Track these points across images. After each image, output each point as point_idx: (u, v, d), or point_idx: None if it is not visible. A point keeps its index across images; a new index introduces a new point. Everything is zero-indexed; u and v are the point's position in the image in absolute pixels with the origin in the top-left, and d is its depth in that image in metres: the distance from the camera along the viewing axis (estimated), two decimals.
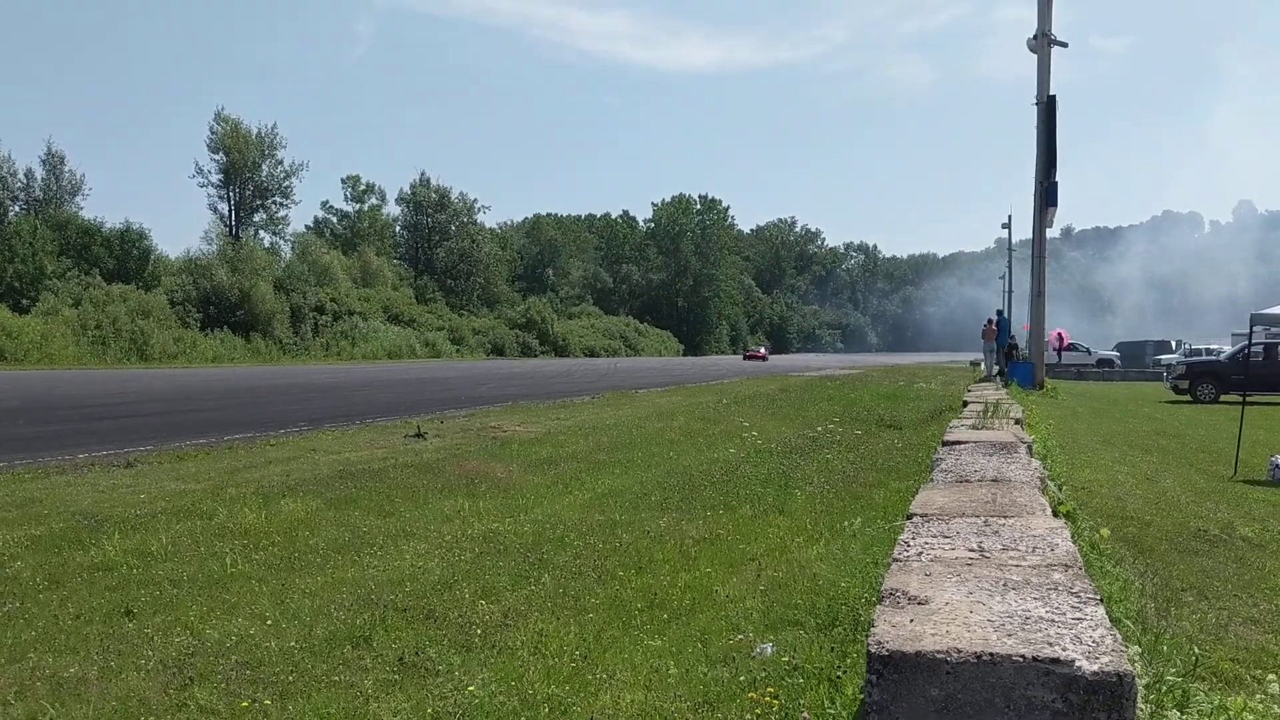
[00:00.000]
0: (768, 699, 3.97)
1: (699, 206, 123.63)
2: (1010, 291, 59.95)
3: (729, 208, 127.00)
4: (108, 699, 4.19)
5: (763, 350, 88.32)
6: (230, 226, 69.10)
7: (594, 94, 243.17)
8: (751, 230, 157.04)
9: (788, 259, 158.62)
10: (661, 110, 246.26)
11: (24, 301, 45.11)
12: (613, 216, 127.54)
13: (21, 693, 4.25)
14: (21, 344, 38.97)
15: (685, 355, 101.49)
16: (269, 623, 5.22)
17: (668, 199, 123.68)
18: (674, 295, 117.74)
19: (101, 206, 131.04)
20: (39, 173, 60.23)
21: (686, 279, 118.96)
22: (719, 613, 5.47)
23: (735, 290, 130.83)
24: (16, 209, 58.32)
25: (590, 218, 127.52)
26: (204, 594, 5.79)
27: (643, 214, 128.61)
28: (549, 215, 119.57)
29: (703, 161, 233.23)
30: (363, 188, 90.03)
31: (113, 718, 4.02)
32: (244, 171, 68.71)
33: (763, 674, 4.34)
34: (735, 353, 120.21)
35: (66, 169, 61.53)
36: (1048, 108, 24.57)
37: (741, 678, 4.33)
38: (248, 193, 69.96)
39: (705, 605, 5.64)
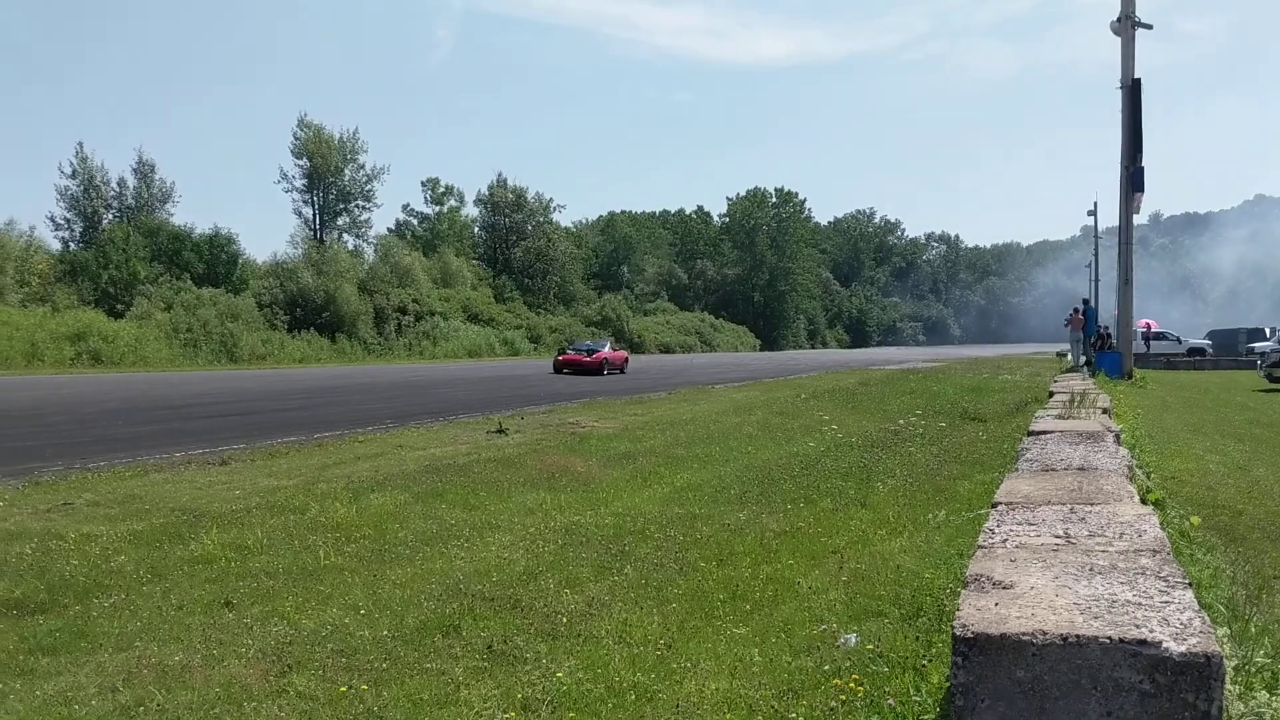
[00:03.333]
0: (852, 685, 3.97)
1: (774, 200, 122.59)
2: (1097, 280, 58.54)
3: (805, 200, 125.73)
4: (211, 685, 4.35)
5: (604, 350, 39.96)
6: (314, 230, 70.42)
7: (667, 90, 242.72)
8: (829, 222, 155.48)
9: (866, 251, 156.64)
10: (736, 104, 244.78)
11: (119, 306, 46.55)
12: (687, 212, 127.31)
13: (129, 679, 4.43)
14: (117, 347, 40.31)
15: (762, 350, 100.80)
16: (362, 612, 5.37)
17: (742, 193, 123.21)
18: (750, 290, 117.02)
19: (191, 213, 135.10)
20: (131, 181, 62.17)
21: (762, 273, 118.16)
22: (801, 604, 5.48)
23: (812, 284, 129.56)
24: (110, 217, 60.29)
25: (664, 214, 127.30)
26: (299, 585, 5.97)
27: (717, 209, 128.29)
28: (623, 213, 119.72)
29: (778, 154, 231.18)
30: (442, 190, 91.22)
31: (216, 703, 4.16)
32: (327, 176, 69.89)
33: (847, 663, 4.35)
34: (814, 347, 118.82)
35: (157, 177, 63.44)
36: (1132, 91, 24.00)
37: (826, 666, 4.34)
38: (331, 197, 71.19)
39: (787, 596, 5.65)
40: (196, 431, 15.06)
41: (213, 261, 54.97)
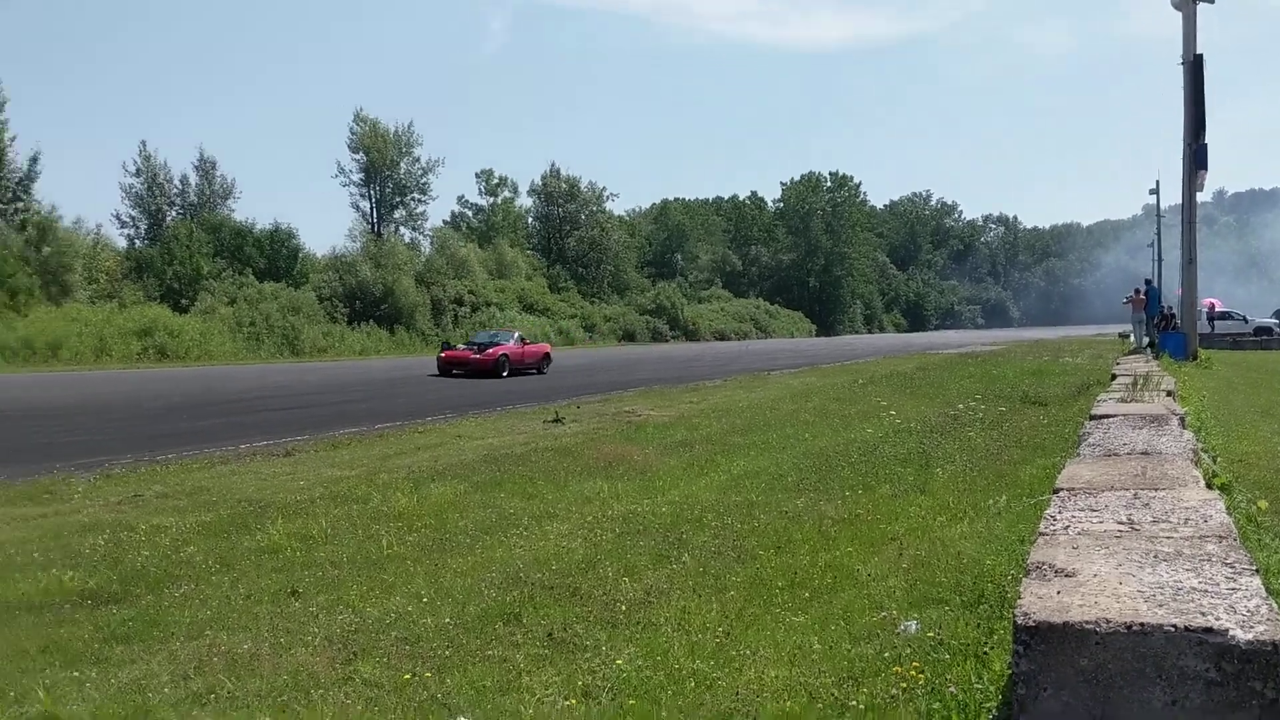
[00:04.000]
0: (913, 673, 3.96)
1: (829, 184, 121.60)
2: (1160, 260, 57.29)
3: (860, 184, 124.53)
4: (279, 673, 4.44)
5: (506, 344, 30.28)
6: (372, 224, 71.20)
7: (722, 77, 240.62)
8: (885, 205, 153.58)
9: (923, 234, 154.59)
10: (791, 89, 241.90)
11: (183, 302, 47.43)
12: (740, 198, 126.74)
13: (200, 667, 4.54)
14: (182, 342, 41.11)
15: (818, 336, 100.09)
16: (424, 601, 5.45)
17: (797, 178, 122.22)
18: (805, 275, 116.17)
19: (252, 208, 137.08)
20: (193, 178, 63.33)
21: (818, 258, 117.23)
22: (861, 591, 5.46)
23: (869, 268, 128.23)
24: (174, 214, 61.57)
25: (718, 200, 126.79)
26: (363, 574, 6.07)
27: (771, 194, 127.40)
28: (676, 200, 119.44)
29: (834, 138, 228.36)
30: (496, 181, 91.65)
31: (284, 690, 4.25)
32: (383, 170, 70.63)
33: (907, 650, 4.33)
34: (870, 332, 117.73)
35: (218, 174, 64.56)
36: (1194, 68, 23.39)
37: (886, 653, 4.33)
38: (387, 190, 71.93)
39: (846, 584, 5.64)
40: (260, 424, 15.34)
41: (274, 256, 55.72)
